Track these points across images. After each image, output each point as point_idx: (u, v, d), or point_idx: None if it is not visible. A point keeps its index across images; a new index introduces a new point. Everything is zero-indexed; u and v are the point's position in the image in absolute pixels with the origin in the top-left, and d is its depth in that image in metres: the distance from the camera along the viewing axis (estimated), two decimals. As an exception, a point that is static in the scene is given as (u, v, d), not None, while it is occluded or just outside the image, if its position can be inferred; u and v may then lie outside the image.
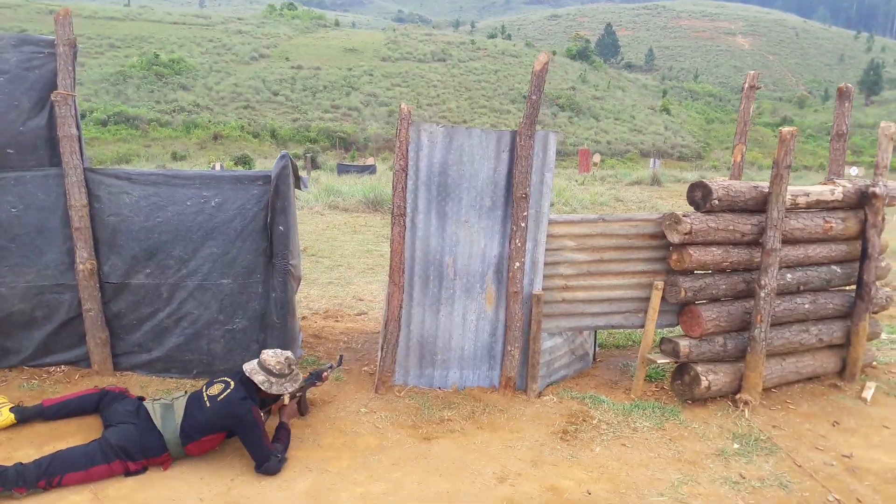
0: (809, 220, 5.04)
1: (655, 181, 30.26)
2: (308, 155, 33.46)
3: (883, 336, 6.57)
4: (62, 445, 3.81)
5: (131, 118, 52.77)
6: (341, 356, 4.66)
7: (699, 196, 4.72)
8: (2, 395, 4.26)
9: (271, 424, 4.13)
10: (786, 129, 4.58)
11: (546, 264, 4.76)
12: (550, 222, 4.70)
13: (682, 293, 4.77)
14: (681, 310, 4.99)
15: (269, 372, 3.91)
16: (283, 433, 3.97)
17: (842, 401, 5.16)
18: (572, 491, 3.78)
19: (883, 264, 5.53)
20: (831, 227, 5.11)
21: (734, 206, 4.76)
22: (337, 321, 6.78)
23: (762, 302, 4.73)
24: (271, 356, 3.96)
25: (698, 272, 4.96)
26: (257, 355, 4.16)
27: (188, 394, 4.00)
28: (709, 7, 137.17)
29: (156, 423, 3.75)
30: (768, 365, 5.05)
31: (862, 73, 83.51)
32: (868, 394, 5.20)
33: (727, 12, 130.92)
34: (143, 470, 3.69)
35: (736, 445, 4.40)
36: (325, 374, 4.37)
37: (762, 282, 4.71)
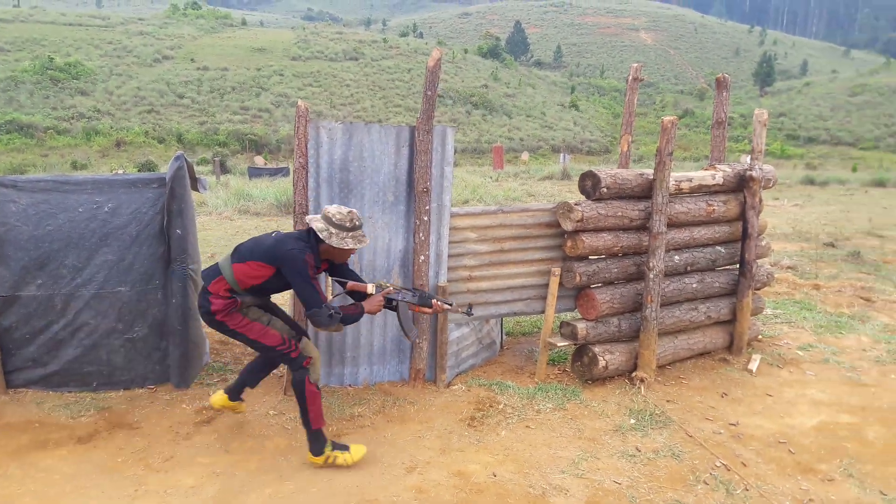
0: (693, 204, 5.37)
1: (565, 175, 31.08)
2: (216, 159, 32.51)
3: (767, 311, 7.07)
4: None
5: (25, 126, 49.91)
6: (470, 305, 4.15)
7: (589, 185, 4.95)
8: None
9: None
10: (666, 118, 4.86)
11: (450, 256, 4.88)
12: (453, 215, 4.82)
13: (578, 278, 4.99)
14: (578, 294, 5.22)
15: (328, 220, 3.73)
16: (352, 308, 3.77)
17: (730, 373, 5.52)
18: (478, 474, 3.90)
19: (763, 243, 5.95)
20: (713, 209, 5.46)
21: (622, 194, 5.02)
22: (247, 325, 6.68)
23: (651, 283, 5.01)
24: (333, 208, 3.79)
25: (592, 257, 5.20)
26: (160, 363, 4.04)
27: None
28: (613, 3, 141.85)
29: (219, 266, 3.79)
30: (662, 343, 5.35)
31: (756, 65, 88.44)
32: (753, 366, 5.59)
33: (630, 8, 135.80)
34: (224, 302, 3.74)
35: (632, 421, 4.65)
36: (439, 303, 3.95)
37: (650, 264, 4.99)
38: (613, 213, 4.97)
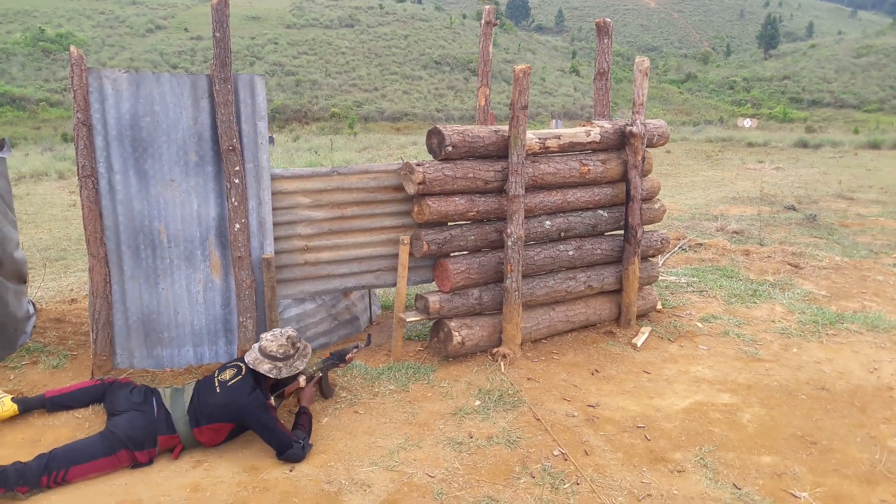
0: (563, 164, 4.82)
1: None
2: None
3: (681, 280, 6.54)
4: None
5: (17, 99, 49.73)
6: (369, 335, 4.38)
7: (435, 143, 4.42)
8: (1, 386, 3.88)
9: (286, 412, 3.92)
10: (519, 66, 4.30)
11: (280, 224, 4.38)
12: (276, 177, 4.30)
13: (425, 247, 4.49)
14: (434, 264, 4.73)
15: (273, 358, 3.62)
16: (303, 418, 3.70)
17: (611, 348, 5.03)
18: (272, 470, 3.46)
19: (657, 206, 5.41)
20: (589, 170, 4.92)
21: (475, 153, 4.48)
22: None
23: (510, 251, 4.50)
24: (271, 340, 3.66)
25: (451, 224, 4.69)
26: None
27: (198, 379, 3.79)
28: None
29: (165, 404, 3.55)
30: (535, 315, 4.88)
31: (760, 27, 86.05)
32: (640, 339, 5.10)
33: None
34: (150, 461, 3.45)
35: (477, 402, 4.19)
36: (350, 354, 4.16)
37: (508, 230, 4.48)
38: (464, 175, 4.44)
